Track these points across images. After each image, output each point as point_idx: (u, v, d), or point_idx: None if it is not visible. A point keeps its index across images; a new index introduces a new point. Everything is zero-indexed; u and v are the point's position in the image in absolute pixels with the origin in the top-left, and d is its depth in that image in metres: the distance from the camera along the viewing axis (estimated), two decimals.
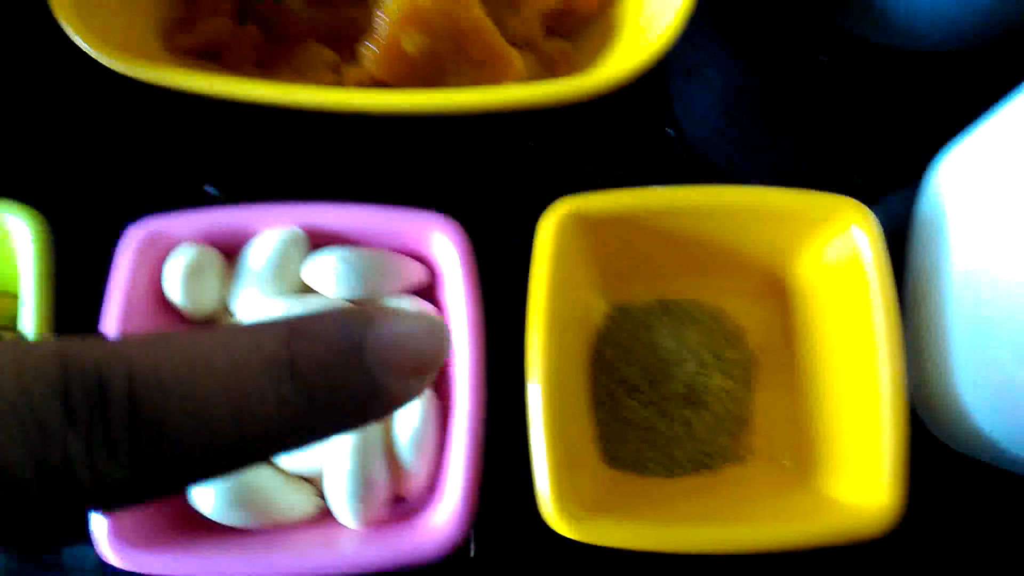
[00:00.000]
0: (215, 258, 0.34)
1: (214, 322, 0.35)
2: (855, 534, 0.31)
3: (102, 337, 0.14)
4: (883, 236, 0.34)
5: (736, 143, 0.43)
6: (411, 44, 0.34)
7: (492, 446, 0.34)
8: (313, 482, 0.34)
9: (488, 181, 0.40)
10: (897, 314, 0.33)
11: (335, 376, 0.15)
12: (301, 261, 0.34)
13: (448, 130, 0.41)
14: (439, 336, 0.16)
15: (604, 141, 0.42)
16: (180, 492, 0.15)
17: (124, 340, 0.14)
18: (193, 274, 0.33)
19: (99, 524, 0.31)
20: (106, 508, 0.14)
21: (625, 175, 0.42)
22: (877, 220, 0.34)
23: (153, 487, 0.14)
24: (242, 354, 0.14)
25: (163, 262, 0.34)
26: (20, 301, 0.36)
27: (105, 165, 0.41)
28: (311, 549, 0.32)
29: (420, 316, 0.16)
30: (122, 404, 0.13)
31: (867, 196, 0.40)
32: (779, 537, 0.32)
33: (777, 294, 0.38)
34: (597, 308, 0.38)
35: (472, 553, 0.35)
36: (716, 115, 0.43)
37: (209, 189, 0.40)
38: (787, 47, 0.43)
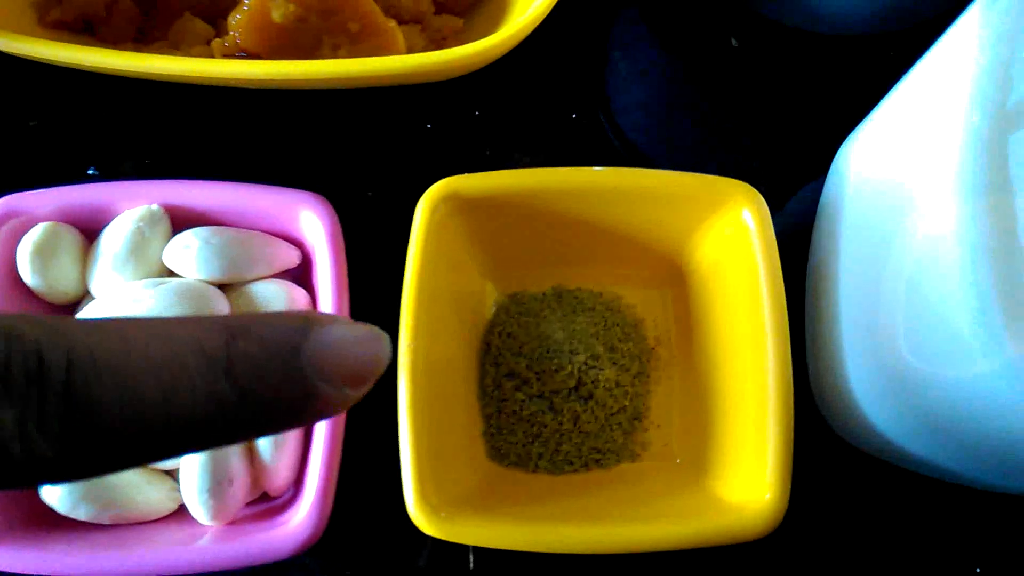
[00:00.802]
0: (72, 237, 0.32)
1: (75, 306, 0.33)
2: (738, 534, 0.30)
3: (46, 316, 0.15)
4: (770, 220, 0.32)
5: (660, 130, 0.41)
6: (279, 13, 0.32)
7: (369, 442, 0.32)
8: (174, 476, 0.32)
9: (380, 163, 0.39)
10: (783, 303, 0.31)
11: (269, 378, 0.15)
12: (163, 242, 0.32)
13: (334, 108, 0.39)
14: (379, 345, 0.17)
15: (520, 126, 0.40)
16: (105, 474, 0.15)
17: (67, 321, 0.14)
18: (45, 254, 0.31)
19: None
20: (32, 484, 0.15)
21: (532, 161, 0.40)
22: (765, 204, 0.32)
23: (80, 467, 0.14)
24: (179, 346, 0.15)
25: (17, 242, 0.32)
26: None
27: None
28: (163, 546, 0.30)
29: (363, 325, 0.17)
30: (58, 383, 0.14)
31: (785, 185, 0.39)
32: (657, 537, 0.30)
33: (676, 283, 0.37)
34: (489, 297, 0.37)
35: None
36: (643, 103, 0.42)
37: (92, 171, 0.38)
38: (701, 31, 0.41)
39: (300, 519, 0.29)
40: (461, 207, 0.33)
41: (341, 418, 0.30)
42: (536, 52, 0.40)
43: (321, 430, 0.30)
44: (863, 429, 0.31)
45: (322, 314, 0.16)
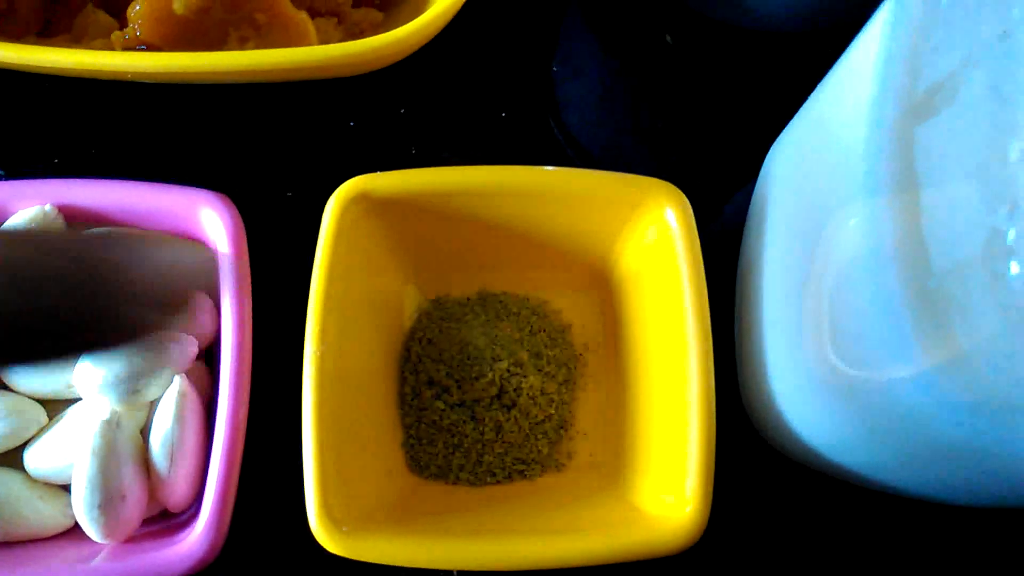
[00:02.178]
0: None
1: None
2: (657, 548, 0.28)
3: None
4: (693, 221, 0.31)
5: (598, 130, 0.40)
6: (180, 4, 0.31)
7: (277, 456, 0.30)
8: (67, 491, 0.30)
9: (301, 162, 0.37)
10: (706, 307, 0.30)
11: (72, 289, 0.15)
12: None
13: (253, 105, 0.37)
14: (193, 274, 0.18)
15: (448, 124, 0.39)
16: None
17: None
18: None
19: None
20: None
21: (461, 160, 0.38)
22: (688, 203, 0.31)
23: None
24: None
25: None
26: None
27: None
28: (52, 564, 0.28)
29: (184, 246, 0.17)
30: None
31: (724, 188, 0.37)
32: (573, 552, 0.29)
33: (603, 286, 0.35)
34: (411, 301, 0.35)
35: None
36: (582, 101, 0.40)
37: None
38: (636, 27, 0.40)
39: (195, 537, 0.28)
40: (374, 207, 0.32)
41: (240, 431, 0.28)
42: (468, 48, 0.39)
43: (219, 443, 0.28)
44: (789, 435, 0.29)
45: (141, 234, 0.17)
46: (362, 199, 0.31)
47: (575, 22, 0.41)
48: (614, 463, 0.33)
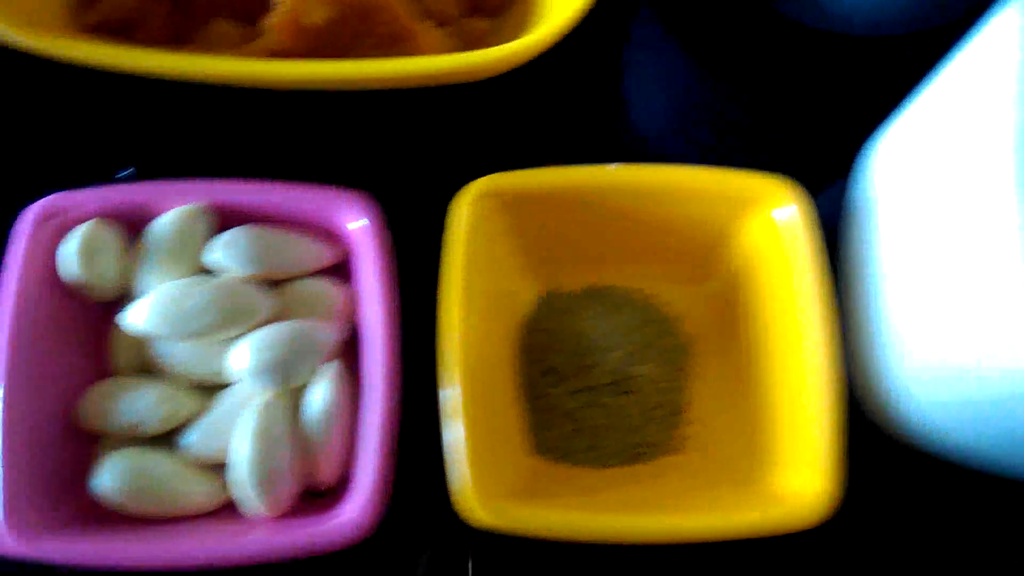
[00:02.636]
0: (115, 237, 0.32)
1: (114, 305, 0.33)
2: (791, 523, 0.30)
3: None
4: (816, 217, 0.33)
5: (682, 137, 0.41)
6: (314, 16, 0.33)
7: (412, 436, 0.32)
8: (219, 471, 0.32)
9: (413, 163, 0.39)
10: (831, 297, 0.32)
11: None
12: (204, 240, 0.32)
13: (367, 109, 0.39)
14: None
15: (545, 127, 0.40)
16: None
17: None
18: (88, 253, 0.31)
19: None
20: None
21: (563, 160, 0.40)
22: (811, 200, 0.33)
23: None
24: None
25: (62, 240, 0.32)
26: None
27: (10, 148, 0.39)
28: (212, 540, 0.30)
29: None
30: None
31: (811, 186, 0.39)
32: (712, 526, 0.30)
33: (712, 279, 0.37)
34: (526, 294, 0.37)
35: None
36: (663, 109, 0.42)
37: (122, 174, 0.38)
38: (719, 30, 0.42)
39: (356, 509, 0.29)
40: (501, 205, 0.34)
41: (396, 402, 0.30)
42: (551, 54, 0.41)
43: (374, 416, 0.30)
44: (909, 426, 0.31)
45: None
46: (491, 196, 0.33)
47: (649, 24, 0.43)
48: (730, 447, 0.35)
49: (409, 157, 0.39)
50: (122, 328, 0.31)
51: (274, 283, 0.33)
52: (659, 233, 0.36)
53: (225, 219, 0.33)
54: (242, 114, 0.39)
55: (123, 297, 0.33)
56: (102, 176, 0.38)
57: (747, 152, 0.40)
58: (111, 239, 0.32)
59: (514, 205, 0.34)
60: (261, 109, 0.39)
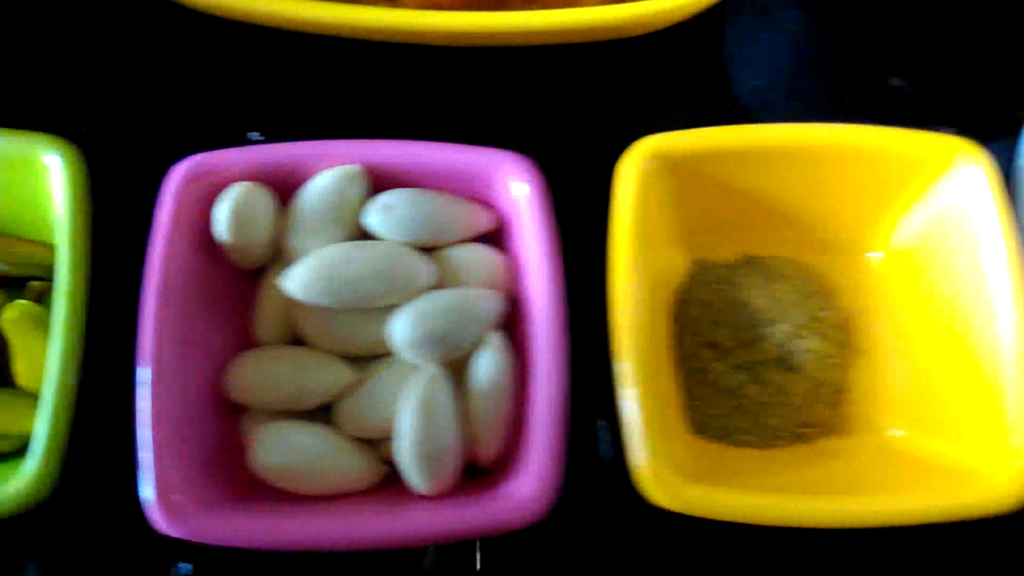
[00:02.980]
0: (267, 199, 0.31)
1: (263, 269, 0.32)
2: (983, 508, 0.28)
3: None
4: (1002, 181, 0.31)
5: (801, 98, 0.39)
6: None
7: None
8: (376, 445, 0.30)
9: (556, 120, 0.37)
10: (1021, 264, 0.30)
11: None
12: (360, 203, 0.31)
13: (517, 67, 0.37)
14: None
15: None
16: None
17: None
18: (242, 215, 0.30)
19: (149, 491, 0.27)
20: None
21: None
22: (995, 162, 0.31)
23: None
24: None
25: (210, 203, 0.31)
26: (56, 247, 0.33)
27: (149, 103, 0.38)
28: (375, 516, 0.28)
29: None
30: None
31: None
32: (904, 511, 0.28)
33: (874, 248, 0.35)
34: (676, 263, 0.35)
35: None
36: (778, 65, 0.40)
37: (253, 135, 0.37)
38: None
39: (528, 486, 0.28)
40: (663, 167, 0.32)
41: (566, 374, 0.28)
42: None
43: (544, 388, 0.28)
44: None
45: None
46: (657, 158, 0.31)
47: None
48: (900, 425, 0.33)
49: (554, 118, 0.37)
50: (285, 292, 0.29)
51: (429, 249, 0.31)
52: (819, 199, 0.34)
53: (377, 182, 0.31)
54: (387, 72, 0.37)
55: (268, 263, 0.32)
56: (233, 138, 0.36)
57: (866, 113, 0.38)
58: (263, 201, 0.31)
59: (675, 167, 0.32)
60: (408, 66, 0.37)
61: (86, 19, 0.39)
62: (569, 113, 0.37)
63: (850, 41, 0.39)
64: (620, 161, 0.31)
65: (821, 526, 0.29)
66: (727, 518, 0.28)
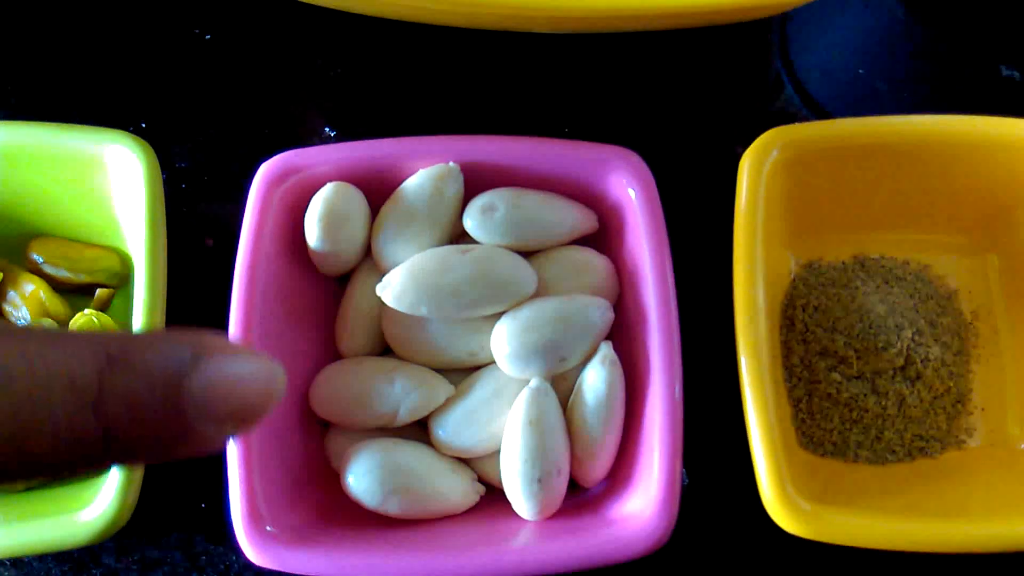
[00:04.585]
0: (360, 200, 0.29)
1: (352, 274, 0.30)
2: None
3: None
4: None
5: (878, 95, 0.36)
6: None
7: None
8: (471, 464, 0.28)
9: (642, 113, 0.35)
10: None
11: (142, 413, 0.14)
12: (458, 203, 0.29)
13: (607, 54, 0.35)
14: (272, 384, 0.15)
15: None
16: None
17: None
18: (336, 219, 0.28)
19: (238, 518, 0.25)
20: None
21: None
22: None
23: None
24: (46, 373, 0.13)
25: (297, 204, 0.28)
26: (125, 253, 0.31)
27: (209, 96, 0.35)
28: (479, 545, 0.26)
29: (253, 357, 0.15)
30: None
31: None
32: None
33: (993, 248, 0.33)
34: (784, 265, 0.33)
35: None
36: (850, 58, 0.37)
37: (329, 130, 0.35)
38: None
39: (644, 511, 0.26)
40: (788, 164, 0.30)
41: (680, 391, 0.26)
42: None
43: (656, 406, 0.26)
44: None
45: (213, 339, 0.15)
46: (778, 153, 0.29)
47: None
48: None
49: (640, 111, 0.35)
50: (382, 302, 0.27)
51: (528, 253, 0.29)
52: (938, 196, 0.32)
53: (473, 180, 0.29)
54: (469, 61, 0.35)
55: (354, 269, 0.30)
56: (302, 134, 0.34)
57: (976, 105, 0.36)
58: (356, 204, 0.28)
59: (795, 162, 0.30)
60: (491, 55, 0.35)
61: (141, 11, 0.36)
62: (656, 106, 0.35)
63: (956, 30, 0.37)
64: (745, 155, 0.29)
65: (960, 551, 0.27)
66: (862, 545, 0.26)
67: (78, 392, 0.14)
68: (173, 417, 0.14)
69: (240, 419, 0.15)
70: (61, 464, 0.14)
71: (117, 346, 0.14)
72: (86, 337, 0.14)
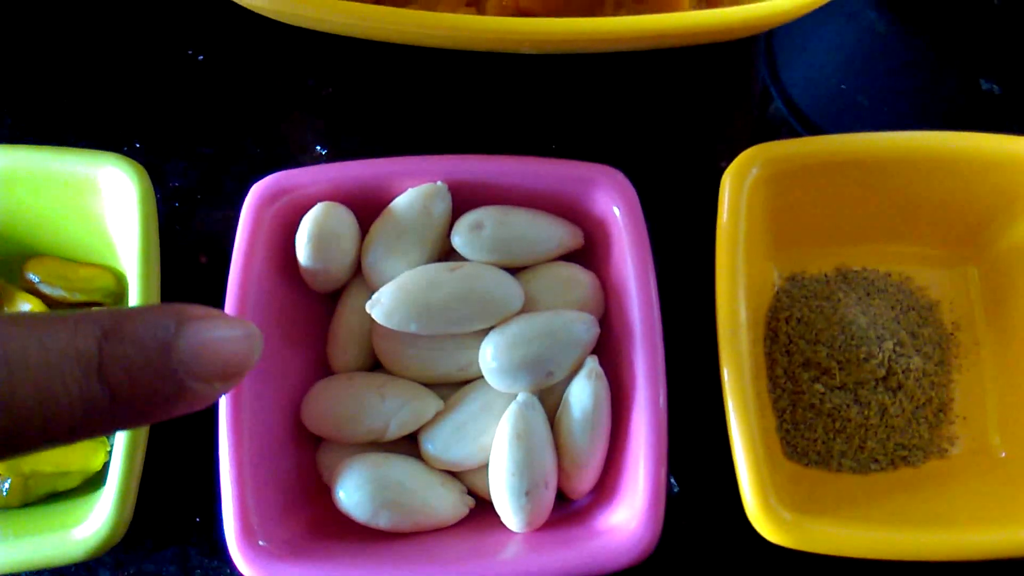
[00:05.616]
0: (350, 219, 0.29)
1: (343, 291, 0.30)
2: None
3: None
4: None
5: (859, 109, 0.37)
6: None
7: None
8: (461, 478, 0.29)
9: (629, 131, 0.36)
10: None
11: (140, 376, 0.16)
12: (446, 222, 0.29)
13: (591, 74, 0.36)
14: (251, 344, 0.18)
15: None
16: None
17: None
18: (326, 237, 0.28)
19: (231, 532, 0.26)
20: None
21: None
22: None
23: None
24: (55, 350, 0.15)
25: (288, 223, 0.29)
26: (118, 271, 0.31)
27: (223, 120, 0.36)
28: (469, 558, 0.27)
29: (232, 321, 0.18)
30: None
31: None
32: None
33: (973, 260, 0.33)
34: (767, 278, 0.33)
35: None
36: (833, 72, 0.38)
37: (320, 149, 0.35)
38: None
39: (629, 521, 0.26)
40: (763, 179, 0.30)
41: (665, 401, 0.27)
42: None
43: (641, 416, 0.27)
44: None
45: (193, 309, 0.17)
46: (759, 169, 0.30)
47: None
48: (1009, 445, 0.31)
49: (626, 129, 0.36)
50: (372, 319, 0.28)
51: (516, 269, 0.30)
52: (919, 209, 0.33)
53: (461, 198, 0.30)
54: (454, 82, 0.36)
55: (345, 286, 0.30)
56: (302, 154, 0.35)
57: (956, 119, 0.36)
58: (346, 223, 0.29)
59: (777, 177, 0.30)
60: (476, 76, 0.36)
61: (136, 33, 0.37)
62: (641, 124, 0.36)
63: (936, 44, 0.37)
64: (727, 172, 0.30)
65: (942, 559, 0.27)
66: (844, 554, 0.27)
67: (84, 363, 0.16)
68: (166, 378, 0.16)
69: (225, 376, 0.17)
70: (78, 428, 0.16)
71: (110, 321, 0.16)
72: (82, 316, 0.16)
